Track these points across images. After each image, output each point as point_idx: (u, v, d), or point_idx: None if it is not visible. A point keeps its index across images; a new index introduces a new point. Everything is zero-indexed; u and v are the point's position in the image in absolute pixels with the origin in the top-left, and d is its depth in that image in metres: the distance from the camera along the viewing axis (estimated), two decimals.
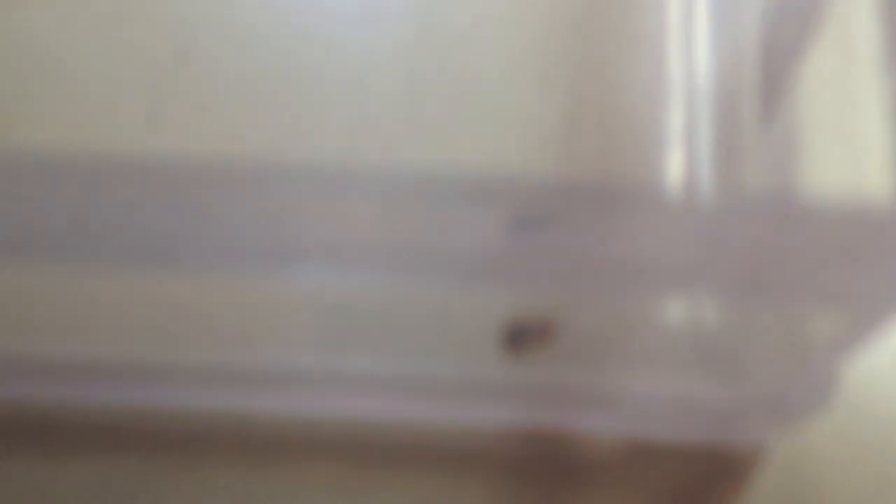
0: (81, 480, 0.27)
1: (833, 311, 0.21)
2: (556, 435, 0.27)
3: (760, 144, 0.27)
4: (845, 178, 0.23)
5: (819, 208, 0.17)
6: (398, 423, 0.27)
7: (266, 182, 0.17)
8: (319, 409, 0.27)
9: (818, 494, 0.26)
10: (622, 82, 0.31)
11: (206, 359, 0.26)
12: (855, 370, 0.24)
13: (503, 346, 0.26)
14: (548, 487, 0.27)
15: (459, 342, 0.26)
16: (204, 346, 0.26)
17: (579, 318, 0.26)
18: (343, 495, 0.27)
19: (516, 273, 0.19)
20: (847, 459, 0.27)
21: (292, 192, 0.17)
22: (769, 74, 0.27)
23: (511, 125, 0.30)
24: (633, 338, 0.27)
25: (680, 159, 0.30)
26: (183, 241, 0.19)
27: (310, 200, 0.17)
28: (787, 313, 0.24)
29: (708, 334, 0.27)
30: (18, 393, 0.27)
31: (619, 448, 0.27)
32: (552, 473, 0.27)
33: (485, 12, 0.31)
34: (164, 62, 0.31)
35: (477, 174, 0.17)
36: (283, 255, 0.19)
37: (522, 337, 0.26)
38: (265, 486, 0.27)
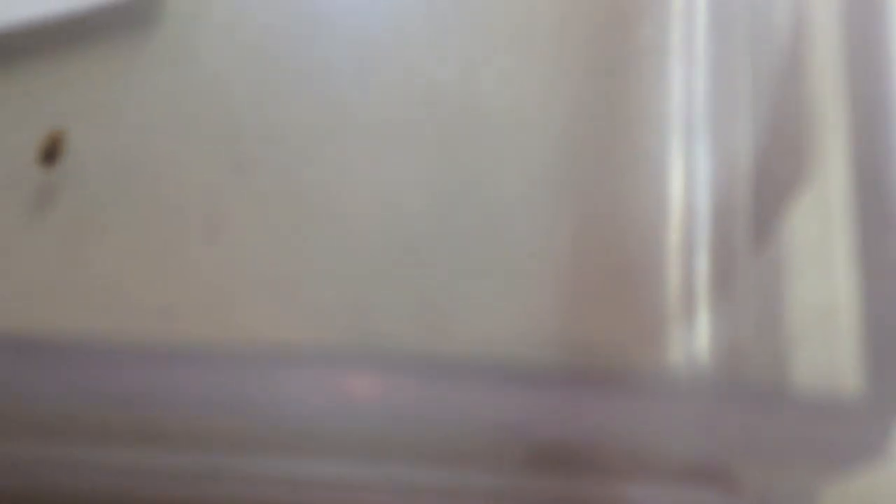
0: None
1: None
2: None
3: (752, 268, 0.31)
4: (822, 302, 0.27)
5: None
6: None
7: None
8: None
9: None
10: (625, 200, 0.34)
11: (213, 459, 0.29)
12: None
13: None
14: None
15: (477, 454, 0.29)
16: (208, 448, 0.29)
17: None
18: None
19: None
20: None
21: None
22: (762, 205, 0.30)
23: (524, 238, 0.34)
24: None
25: (679, 276, 0.33)
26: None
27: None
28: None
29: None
30: None
31: None
32: None
33: (503, 134, 0.35)
34: (222, 174, 0.34)
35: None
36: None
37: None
38: None
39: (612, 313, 0.33)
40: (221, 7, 0.36)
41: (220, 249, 0.34)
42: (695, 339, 0.32)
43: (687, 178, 0.34)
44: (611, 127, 0.34)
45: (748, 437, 0.21)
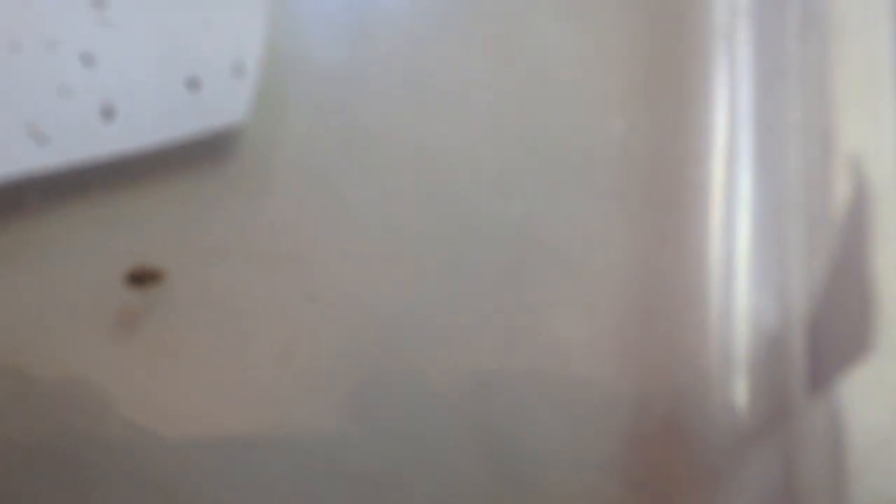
0: None
1: None
2: None
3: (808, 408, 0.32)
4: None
5: None
6: None
7: None
8: None
9: None
10: (679, 338, 0.36)
11: None
12: None
13: None
14: None
15: None
16: None
17: None
18: None
19: None
20: None
21: None
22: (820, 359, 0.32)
23: (587, 378, 0.35)
24: None
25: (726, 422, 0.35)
26: None
27: None
28: None
29: None
30: None
31: None
32: None
33: (565, 267, 0.37)
34: (294, 301, 0.36)
35: None
36: None
37: None
38: None
39: (664, 462, 0.34)
40: (294, 141, 0.38)
41: (291, 373, 0.35)
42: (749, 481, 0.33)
43: (751, 325, 0.35)
44: (666, 264, 0.36)
45: None
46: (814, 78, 0.37)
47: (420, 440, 0.34)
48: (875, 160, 0.34)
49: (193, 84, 0.36)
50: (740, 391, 0.35)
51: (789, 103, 0.37)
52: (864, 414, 0.31)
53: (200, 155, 0.37)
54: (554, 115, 0.37)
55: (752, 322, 0.35)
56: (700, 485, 0.34)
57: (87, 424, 0.34)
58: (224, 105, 0.36)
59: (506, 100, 0.37)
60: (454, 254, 0.36)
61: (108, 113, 0.36)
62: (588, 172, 0.37)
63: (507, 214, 0.36)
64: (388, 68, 0.38)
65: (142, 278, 0.35)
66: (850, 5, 0.36)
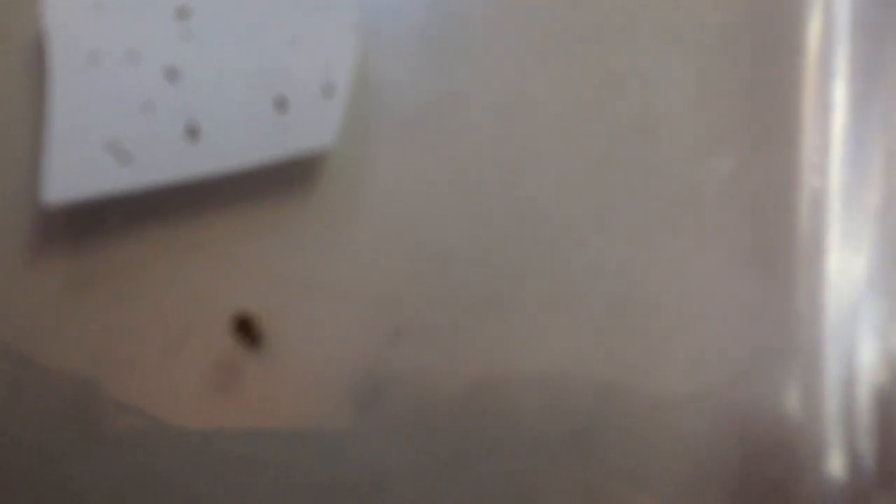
0: None
1: None
2: None
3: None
4: None
5: None
6: None
7: None
8: None
9: None
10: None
11: None
12: None
13: None
14: None
15: None
16: None
17: None
18: None
19: None
20: None
21: None
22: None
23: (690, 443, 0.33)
24: None
25: None
26: None
27: None
28: None
29: None
30: None
31: None
32: None
33: (665, 318, 0.35)
34: (379, 338, 0.34)
35: None
36: None
37: None
38: None
39: None
40: (381, 169, 0.36)
41: (375, 417, 0.33)
42: None
43: (867, 382, 0.34)
44: (777, 312, 0.34)
45: None
46: None
47: (514, 486, 0.33)
48: None
49: (282, 105, 0.35)
50: (854, 454, 0.33)
51: None
52: None
53: (285, 179, 0.36)
54: (656, 151, 0.35)
55: (869, 380, 0.34)
56: None
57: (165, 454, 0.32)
58: (313, 128, 0.35)
59: (606, 134, 0.36)
60: (550, 293, 0.35)
61: (193, 132, 0.35)
62: (693, 211, 0.35)
63: (607, 254, 0.35)
64: (481, 96, 0.36)
65: (251, 332, 0.34)
66: None
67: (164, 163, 0.34)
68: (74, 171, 0.34)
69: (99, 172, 0.34)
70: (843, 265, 0.35)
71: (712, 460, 0.33)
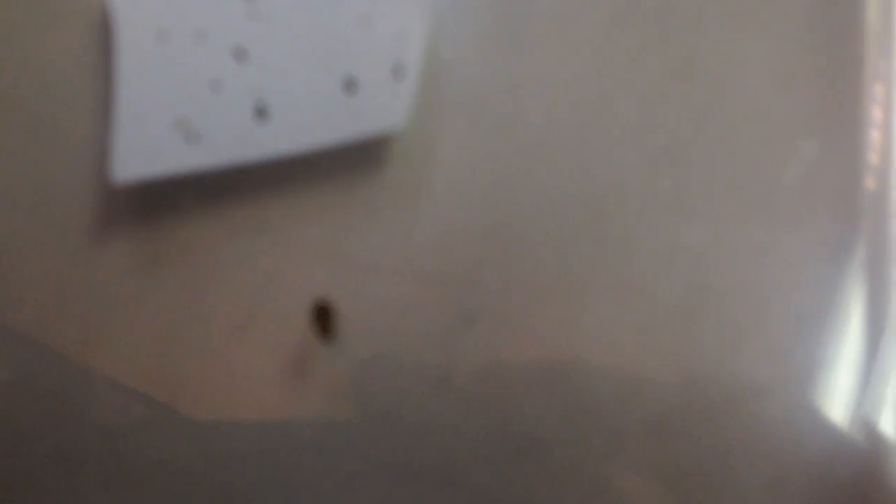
0: None
1: None
2: None
3: None
4: None
5: None
6: None
7: None
8: None
9: None
10: None
11: None
12: None
13: None
14: None
15: None
16: None
17: None
18: None
19: None
20: None
21: None
22: None
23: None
24: None
25: None
26: None
27: None
28: None
29: None
30: None
31: None
32: None
33: (741, 311, 0.34)
34: (451, 324, 0.34)
35: None
36: None
37: None
38: None
39: None
40: (449, 151, 0.36)
41: (447, 403, 0.33)
42: None
43: None
44: (861, 301, 0.34)
45: None
46: None
47: (588, 475, 0.32)
48: None
49: (351, 85, 0.35)
50: None
51: None
52: None
53: (353, 161, 0.35)
54: (736, 135, 0.35)
55: None
56: None
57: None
58: (382, 109, 0.34)
59: (683, 118, 0.35)
60: (625, 278, 0.34)
61: (261, 112, 0.34)
62: (774, 198, 0.34)
63: (684, 239, 0.34)
64: (550, 78, 0.36)
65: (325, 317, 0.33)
66: None
67: (232, 143, 0.34)
68: (142, 149, 0.34)
69: (167, 151, 0.34)
70: None
71: (792, 452, 0.32)
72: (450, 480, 0.32)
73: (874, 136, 0.35)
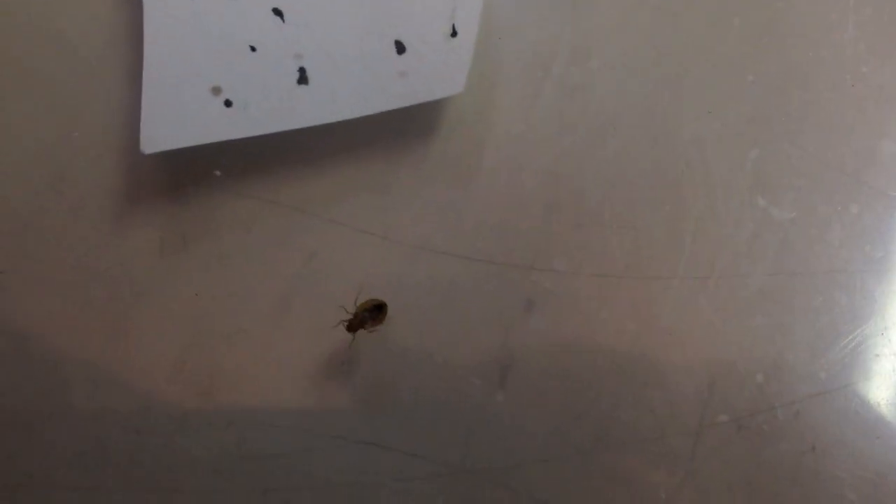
0: None
1: None
2: None
3: None
4: None
5: None
6: None
7: None
8: None
9: None
10: None
11: None
12: None
13: None
14: None
15: None
16: None
17: None
18: None
19: None
20: None
21: None
22: None
23: None
24: None
25: None
26: None
27: None
28: None
29: None
30: None
31: None
32: None
33: None
34: (512, 311, 0.31)
35: None
36: None
37: None
38: None
39: None
40: (509, 120, 0.33)
41: (507, 395, 0.30)
42: None
43: None
44: None
45: None
46: None
47: (662, 479, 0.29)
48: None
49: (403, 49, 0.32)
50: None
51: None
52: None
53: (403, 130, 0.33)
54: (823, 114, 0.32)
55: None
56: None
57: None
58: (437, 74, 0.32)
59: (768, 84, 0.32)
60: (706, 260, 0.31)
61: (304, 76, 0.32)
62: (867, 177, 0.31)
63: (774, 215, 0.31)
64: (618, 40, 0.33)
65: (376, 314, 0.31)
66: None
67: (272, 109, 0.31)
68: (173, 117, 0.31)
69: (201, 119, 0.31)
70: None
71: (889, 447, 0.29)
72: (505, 483, 0.29)
73: None
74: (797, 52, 0.32)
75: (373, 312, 0.30)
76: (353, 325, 0.30)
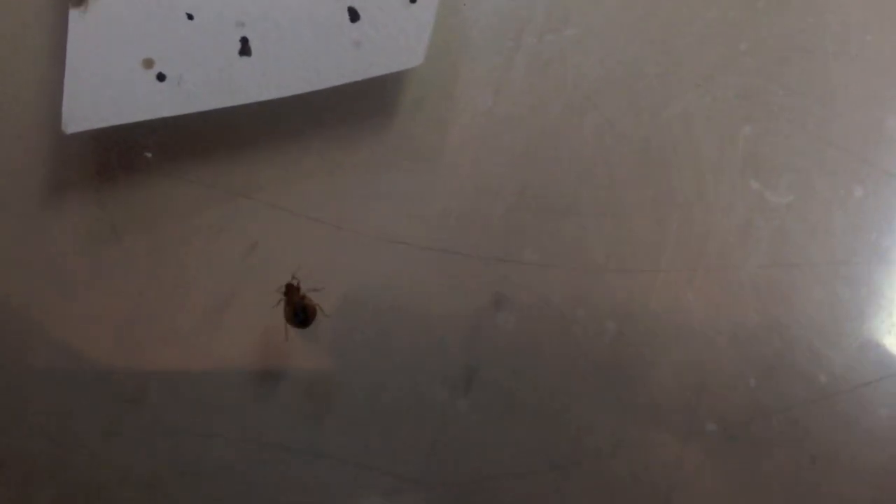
0: None
1: None
2: None
3: None
4: None
5: None
6: None
7: None
8: None
9: None
10: None
11: None
12: None
13: None
14: None
15: None
16: None
17: None
18: None
19: None
20: None
21: None
22: None
23: None
24: None
25: None
26: None
27: None
28: None
29: None
30: None
31: None
32: None
33: None
34: (476, 307, 0.28)
35: None
36: None
37: None
38: None
39: None
40: (476, 98, 0.30)
41: (472, 400, 0.27)
42: None
43: None
44: None
45: None
46: None
47: (646, 490, 0.26)
48: None
49: (356, 14, 0.29)
50: None
51: None
52: None
53: (357, 108, 0.30)
54: (824, 87, 0.29)
55: None
56: None
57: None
58: (396, 45, 0.29)
59: (762, 57, 0.29)
60: (697, 249, 0.28)
61: (246, 48, 0.29)
62: (873, 156, 0.28)
63: (769, 199, 0.28)
64: (591, 7, 0.30)
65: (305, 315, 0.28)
66: None
67: (210, 83, 0.29)
68: (100, 93, 0.28)
69: (131, 95, 0.28)
70: None
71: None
72: (470, 500, 0.27)
73: None
74: (795, 18, 0.29)
75: (299, 311, 0.27)
76: (290, 295, 0.27)
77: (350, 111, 0.30)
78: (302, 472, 0.27)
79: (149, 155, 0.29)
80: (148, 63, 0.29)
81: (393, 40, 0.29)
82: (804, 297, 0.28)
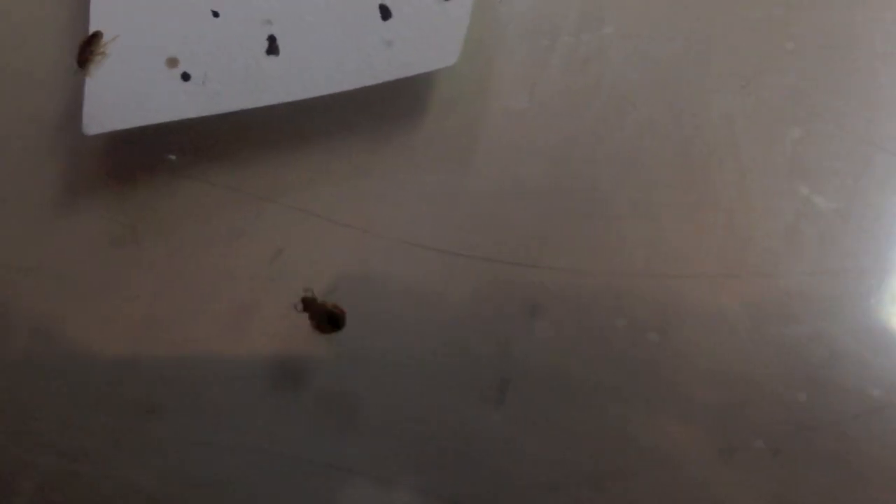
0: None
1: None
2: None
3: None
4: None
5: None
6: None
7: None
8: None
9: None
10: None
11: None
12: None
13: None
14: None
15: None
16: None
17: None
18: None
19: None
20: None
21: None
22: None
23: None
24: None
25: None
26: None
27: None
28: None
29: None
30: None
31: None
32: None
33: None
34: (508, 316, 0.27)
35: None
36: None
37: None
38: None
39: None
40: (509, 99, 0.29)
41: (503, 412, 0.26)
42: None
43: None
44: None
45: None
46: None
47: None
48: None
49: (388, 14, 0.28)
50: None
51: None
52: None
53: (387, 108, 0.29)
54: (875, 88, 0.28)
55: None
56: None
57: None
58: (429, 44, 0.28)
59: (810, 56, 0.28)
60: (736, 257, 0.27)
61: (273, 46, 0.28)
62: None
63: (817, 204, 0.27)
64: (629, 5, 0.29)
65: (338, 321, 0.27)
66: None
67: (236, 84, 0.28)
68: (122, 93, 0.28)
69: (154, 95, 0.28)
70: None
71: None
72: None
73: None
74: (845, 14, 0.28)
75: (326, 319, 0.26)
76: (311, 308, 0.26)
77: (379, 112, 0.29)
78: (322, 486, 0.26)
79: (172, 157, 0.29)
80: (172, 62, 0.28)
81: (426, 39, 0.28)
82: (852, 306, 0.27)
